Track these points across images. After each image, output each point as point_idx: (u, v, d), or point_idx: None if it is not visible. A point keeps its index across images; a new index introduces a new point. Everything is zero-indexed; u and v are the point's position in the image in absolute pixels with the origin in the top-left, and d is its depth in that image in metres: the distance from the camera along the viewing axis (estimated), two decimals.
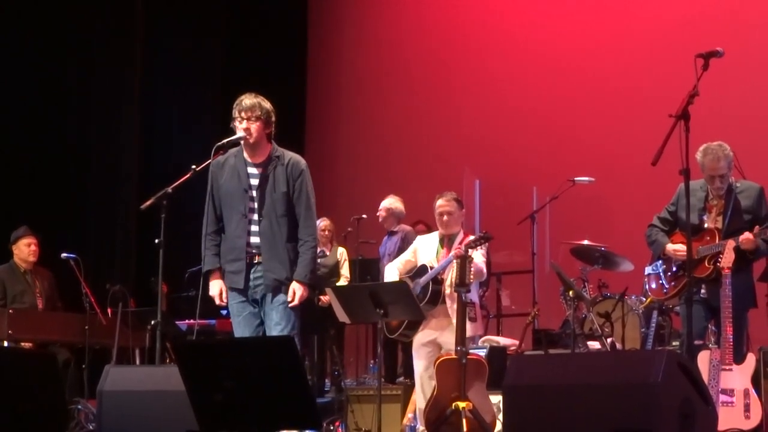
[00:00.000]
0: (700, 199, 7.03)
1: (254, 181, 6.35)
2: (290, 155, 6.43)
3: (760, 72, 10.41)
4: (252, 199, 6.34)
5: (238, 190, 6.36)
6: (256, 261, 6.31)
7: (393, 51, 13.12)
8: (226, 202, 6.41)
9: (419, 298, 7.14)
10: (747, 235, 6.77)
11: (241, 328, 6.37)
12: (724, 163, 6.90)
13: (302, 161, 6.45)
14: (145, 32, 12.55)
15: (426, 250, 7.50)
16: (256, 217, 6.33)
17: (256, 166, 6.38)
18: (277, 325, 6.23)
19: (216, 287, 6.40)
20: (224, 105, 11.95)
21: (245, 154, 6.40)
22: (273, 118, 6.40)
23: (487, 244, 7.26)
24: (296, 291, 6.25)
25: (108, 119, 12.37)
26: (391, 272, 7.55)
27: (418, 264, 7.48)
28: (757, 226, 6.82)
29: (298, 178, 6.34)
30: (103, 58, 12.38)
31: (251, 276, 6.31)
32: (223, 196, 6.42)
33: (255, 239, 6.32)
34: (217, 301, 6.44)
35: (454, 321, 7.15)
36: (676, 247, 7.02)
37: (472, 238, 7.15)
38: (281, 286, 6.27)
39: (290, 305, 6.24)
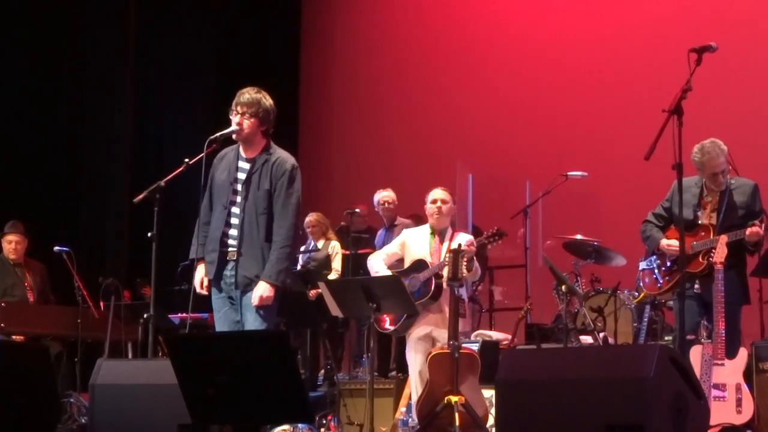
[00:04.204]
0: (694, 195, 7.04)
1: (241, 175, 6.33)
2: (280, 154, 6.35)
3: (754, 67, 10.42)
4: (235, 192, 6.31)
5: (225, 182, 6.35)
6: (231, 258, 6.25)
7: (386, 45, 13.11)
8: (215, 193, 6.41)
9: (422, 293, 7.14)
10: (756, 228, 6.77)
11: (220, 325, 6.35)
12: (723, 159, 6.93)
13: (289, 161, 6.33)
14: (139, 26, 12.54)
15: (417, 243, 7.44)
16: (236, 210, 6.29)
17: (247, 161, 6.35)
18: (250, 326, 6.16)
19: (197, 276, 6.39)
20: (217, 98, 12.09)
21: (240, 148, 6.40)
22: (272, 116, 6.33)
23: (500, 240, 7.23)
24: (258, 290, 6.13)
25: (101, 113, 12.38)
26: (378, 264, 7.48)
27: (406, 257, 7.46)
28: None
29: (281, 177, 6.24)
30: (97, 53, 12.38)
31: (227, 273, 6.27)
32: (215, 188, 6.41)
33: (233, 232, 6.28)
34: (197, 290, 6.40)
35: (447, 315, 7.15)
36: (671, 243, 7.03)
37: (485, 234, 7.13)
38: (252, 284, 6.17)
39: (253, 305, 6.14)
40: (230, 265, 6.26)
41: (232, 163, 6.37)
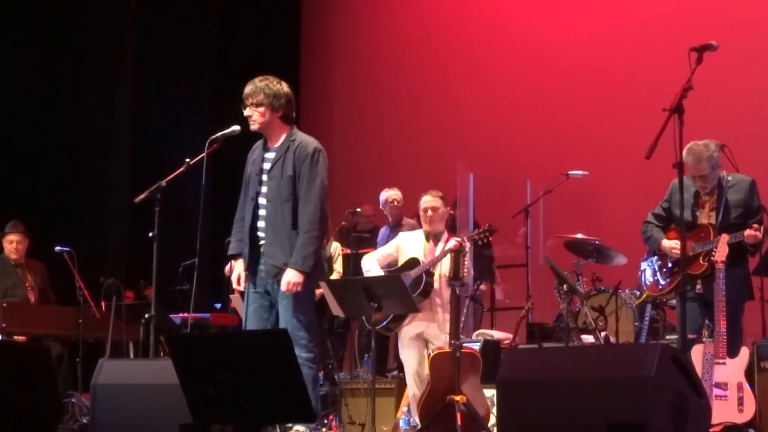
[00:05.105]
0: (692, 194, 7.03)
1: (267, 165, 6.26)
2: (302, 138, 6.26)
3: (755, 65, 10.41)
4: (261, 183, 6.25)
5: (254, 174, 6.31)
6: (262, 250, 6.20)
7: (387, 44, 13.10)
8: (247, 187, 6.37)
9: (412, 290, 7.15)
10: (753, 232, 6.74)
11: (249, 320, 6.28)
12: (705, 164, 6.87)
13: (312, 144, 6.23)
14: (139, 26, 12.53)
15: (411, 247, 7.49)
16: (263, 201, 6.23)
17: (272, 150, 6.30)
18: (288, 321, 6.09)
19: (235, 272, 6.33)
20: (217, 98, 12.08)
21: (265, 140, 6.35)
22: (284, 100, 6.21)
23: (490, 236, 7.26)
24: (285, 277, 6.06)
25: (101, 113, 12.36)
26: (372, 264, 7.51)
27: (400, 260, 7.48)
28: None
29: (304, 161, 6.15)
30: (97, 53, 12.37)
31: (260, 267, 6.21)
32: (246, 183, 6.38)
33: (261, 223, 6.23)
34: (234, 285, 6.35)
35: (439, 315, 7.18)
36: (672, 244, 7.02)
37: (476, 230, 7.15)
38: (281, 273, 6.10)
39: (283, 292, 6.08)
40: (262, 258, 6.21)
41: (259, 156, 6.32)
